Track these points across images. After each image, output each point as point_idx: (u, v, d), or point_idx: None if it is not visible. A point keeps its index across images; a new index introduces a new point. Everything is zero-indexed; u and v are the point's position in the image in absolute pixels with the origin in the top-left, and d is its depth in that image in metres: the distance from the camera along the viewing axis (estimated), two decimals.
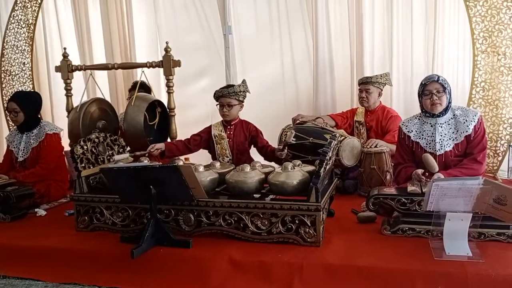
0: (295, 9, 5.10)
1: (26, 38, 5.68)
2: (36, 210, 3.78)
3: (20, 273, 2.90)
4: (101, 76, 5.45)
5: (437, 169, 2.96)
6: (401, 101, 4.75)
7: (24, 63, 5.72)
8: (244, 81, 3.99)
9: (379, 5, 4.72)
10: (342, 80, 4.95)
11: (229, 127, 4.02)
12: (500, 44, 4.21)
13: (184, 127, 4.81)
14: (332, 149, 2.94)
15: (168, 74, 4.31)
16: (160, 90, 5.33)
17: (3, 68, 5.71)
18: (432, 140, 3.17)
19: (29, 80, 5.74)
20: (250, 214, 2.84)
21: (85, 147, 3.35)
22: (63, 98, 4.87)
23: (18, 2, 5.58)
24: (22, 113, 4.04)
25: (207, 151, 4.18)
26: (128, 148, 3.82)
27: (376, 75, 4.35)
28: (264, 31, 5.22)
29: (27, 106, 4.06)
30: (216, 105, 4.02)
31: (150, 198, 2.80)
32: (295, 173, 2.96)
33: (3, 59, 5.69)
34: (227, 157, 3.96)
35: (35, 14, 5.63)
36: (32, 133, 4.08)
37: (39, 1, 5.58)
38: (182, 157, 4.06)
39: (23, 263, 2.96)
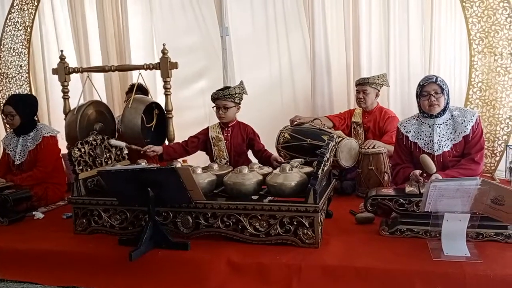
0: (292, 10, 5.10)
1: (22, 41, 5.67)
2: (33, 213, 3.77)
3: (18, 276, 2.89)
4: (97, 79, 5.44)
5: (434, 169, 2.97)
6: (398, 101, 4.76)
7: (21, 65, 5.71)
8: (241, 83, 3.99)
9: (375, 6, 4.73)
10: (339, 81, 4.95)
11: (226, 129, 4.02)
12: (496, 44, 4.22)
13: (182, 128, 4.80)
14: (330, 150, 2.94)
15: (166, 76, 4.31)
16: (156, 92, 5.32)
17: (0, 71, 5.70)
18: (430, 141, 3.18)
19: (26, 83, 5.72)
20: (248, 216, 2.84)
21: (82, 149, 3.34)
22: (59, 100, 4.86)
23: (14, 5, 5.57)
24: (18, 116, 4.03)
25: (204, 153, 4.18)
26: (126, 151, 3.81)
27: (373, 76, 4.35)
28: (261, 32, 5.22)
29: (23, 109, 4.05)
30: (213, 107, 4.02)
31: (148, 201, 2.80)
32: (293, 175, 2.96)
33: (0, 62, 5.67)
34: (224, 159, 3.97)
35: (32, 17, 5.62)
36: (29, 136, 4.07)
37: (36, 3, 5.57)
38: (180, 159, 4.06)
39: (21, 267, 2.95)
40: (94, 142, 3.47)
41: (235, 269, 2.63)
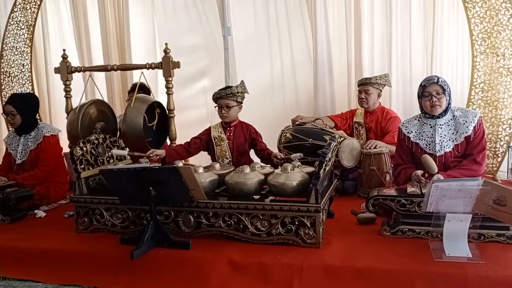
0: (294, 10, 5.10)
1: (25, 40, 5.68)
2: (35, 211, 3.78)
3: (20, 274, 2.89)
4: (99, 78, 5.44)
5: (436, 170, 2.96)
6: (400, 102, 4.75)
7: (23, 64, 5.72)
8: (242, 82, 3.99)
9: (378, 6, 4.72)
10: (341, 81, 4.95)
11: (228, 128, 4.03)
12: (499, 45, 4.21)
13: (183, 128, 4.81)
14: (331, 150, 2.94)
15: (168, 76, 4.30)
16: (157, 91, 5.33)
17: (2, 70, 5.71)
18: (432, 141, 3.18)
19: (28, 82, 5.73)
20: (250, 215, 2.84)
21: (84, 148, 3.35)
22: (61, 99, 4.86)
23: (17, 4, 5.58)
24: (19, 115, 4.03)
25: (206, 152, 4.18)
26: (127, 150, 3.82)
27: (375, 76, 4.35)
28: (263, 32, 5.22)
29: (24, 108, 4.05)
30: (215, 106, 4.03)
31: (150, 200, 2.81)
32: (294, 174, 2.96)
33: (2, 61, 5.69)
34: (226, 158, 3.97)
35: (35, 16, 5.63)
36: (30, 135, 4.08)
37: (39, 2, 5.58)
38: None
39: (23, 265, 2.95)
40: (96, 141, 3.48)
41: (236, 269, 2.63)
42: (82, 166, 3.30)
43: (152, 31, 5.65)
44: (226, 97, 3.90)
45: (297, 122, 4.30)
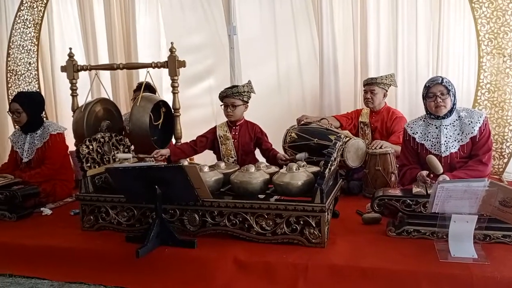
0: (300, 9, 5.09)
1: (32, 38, 5.70)
2: (41, 209, 3.80)
3: (26, 272, 2.91)
4: (104, 76, 5.46)
5: (441, 170, 2.96)
6: (406, 102, 4.74)
7: (29, 62, 5.74)
8: (249, 82, 4.00)
9: (384, 6, 4.71)
10: (347, 81, 4.94)
11: (234, 127, 4.03)
12: (505, 46, 4.19)
13: (189, 127, 4.82)
14: (337, 150, 2.94)
15: (173, 75, 4.31)
16: (162, 90, 5.34)
17: (9, 68, 5.73)
18: (437, 142, 3.17)
19: (35, 80, 5.76)
20: (255, 214, 2.85)
21: (90, 147, 3.36)
22: (66, 97, 4.88)
23: (24, 2, 5.60)
24: (24, 113, 4.04)
25: (212, 151, 4.19)
26: (132, 148, 3.83)
27: (381, 76, 4.34)
28: (269, 31, 5.21)
29: (29, 106, 4.06)
30: (221, 105, 4.03)
31: (155, 198, 2.82)
32: (299, 174, 2.96)
33: (9, 59, 5.71)
34: (232, 157, 3.98)
35: (41, 14, 5.65)
36: (36, 133, 4.09)
37: (45, 1, 5.60)
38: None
39: (29, 262, 2.97)
40: (102, 140, 3.49)
41: (241, 268, 2.64)
42: (88, 164, 3.31)
43: (157, 30, 5.65)
44: (232, 96, 3.91)
45: (302, 122, 4.30)
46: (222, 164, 3.35)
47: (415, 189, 2.93)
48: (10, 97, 5.66)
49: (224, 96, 3.95)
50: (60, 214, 3.77)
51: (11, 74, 5.74)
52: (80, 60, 5.29)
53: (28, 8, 5.63)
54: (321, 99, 4.98)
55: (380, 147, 3.90)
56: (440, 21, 4.58)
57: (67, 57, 4.61)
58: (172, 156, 3.92)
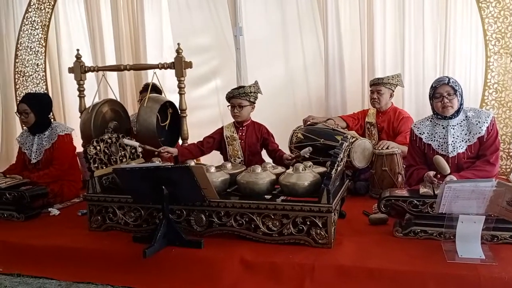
0: (306, 10, 5.09)
1: (39, 40, 5.75)
2: (49, 209, 3.82)
3: (34, 271, 2.93)
4: (111, 78, 5.48)
5: (448, 171, 2.94)
6: (413, 102, 4.72)
7: (37, 64, 5.79)
8: (256, 83, 4.01)
9: (390, 6, 4.70)
10: (353, 81, 4.93)
11: (241, 128, 4.04)
12: None
13: (195, 128, 4.83)
14: (343, 150, 2.93)
15: (180, 76, 4.33)
16: (167, 91, 5.35)
17: (16, 69, 5.78)
18: (444, 142, 3.16)
19: (42, 81, 5.80)
20: (261, 215, 2.85)
21: (98, 147, 3.38)
22: (74, 99, 4.90)
23: (31, 4, 5.65)
24: (32, 114, 4.07)
25: (218, 152, 4.20)
26: (140, 149, 3.84)
27: (388, 76, 4.33)
28: (275, 32, 5.22)
29: (37, 107, 4.09)
30: (228, 106, 4.04)
31: (162, 199, 2.83)
32: (306, 175, 2.96)
33: (17, 60, 5.76)
34: (238, 158, 3.98)
35: (49, 16, 5.70)
36: (44, 134, 4.11)
37: (53, 3, 5.65)
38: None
39: (37, 262, 2.99)
40: (109, 140, 3.51)
41: (248, 268, 2.64)
42: (96, 165, 3.33)
43: (160, 31, 5.68)
44: (239, 97, 3.92)
45: (309, 122, 4.29)
46: (229, 165, 3.36)
47: (422, 190, 2.92)
48: (18, 98, 5.72)
49: (231, 96, 3.96)
50: (67, 214, 3.79)
51: (19, 75, 5.79)
52: (87, 61, 5.32)
53: (35, 10, 5.68)
54: (327, 100, 4.97)
55: (387, 148, 3.89)
56: (447, 20, 4.56)
57: (75, 59, 4.64)
58: (180, 156, 3.93)
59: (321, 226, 2.75)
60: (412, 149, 3.35)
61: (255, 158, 4.03)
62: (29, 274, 2.92)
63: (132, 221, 3.17)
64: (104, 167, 3.40)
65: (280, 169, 3.30)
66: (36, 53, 5.76)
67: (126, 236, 3.07)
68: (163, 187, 2.81)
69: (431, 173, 3.01)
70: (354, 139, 3.86)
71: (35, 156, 4.09)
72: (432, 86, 3.20)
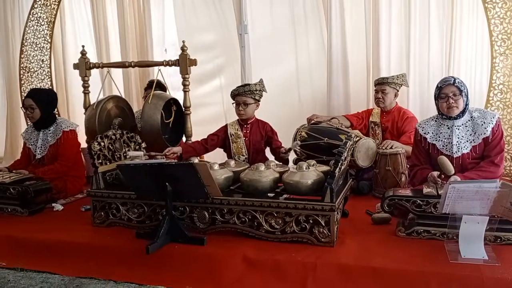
0: (312, 9, 5.09)
1: (45, 36, 5.77)
2: (53, 204, 3.84)
3: (37, 266, 2.95)
4: (116, 74, 5.50)
5: (453, 171, 2.94)
6: (418, 102, 4.70)
7: (42, 60, 5.81)
8: (261, 81, 4.01)
9: (396, 5, 4.68)
10: (358, 80, 4.91)
11: (245, 126, 4.05)
12: None
13: (199, 125, 4.83)
14: (347, 149, 2.93)
15: (185, 73, 4.34)
16: (171, 88, 5.36)
17: (22, 65, 5.80)
18: (449, 142, 3.15)
19: (47, 77, 5.82)
20: (264, 213, 2.85)
21: (102, 143, 3.39)
22: (78, 95, 4.91)
23: (37, 0, 5.66)
24: (38, 109, 4.08)
25: (222, 150, 4.20)
26: (144, 145, 3.85)
27: (393, 76, 4.32)
28: (280, 31, 5.21)
29: (43, 102, 4.10)
30: (232, 103, 4.05)
31: (166, 195, 2.84)
32: (309, 173, 2.96)
33: (22, 56, 5.78)
34: (243, 155, 3.99)
35: (54, 12, 5.72)
36: (49, 130, 4.13)
37: None
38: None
39: (40, 257, 3.01)
40: (113, 137, 3.52)
41: (250, 265, 2.65)
42: (100, 161, 3.34)
43: (162, 28, 5.69)
44: (244, 94, 3.92)
45: (313, 121, 4.29)
46: (232, 162, 3.37)
47: (426, 190, 2.91)
48: (23, 94, 5.74)
49: (236, 94, 3.96)
50: (71, 210, 3.81)
51: (24, 71, 5.81)
52: (92, 57, 5.33)
53: (41, 6, 5.70)
54: (329, 100, 4.96)
55: (391, 147, 3.88)
56: (453, 20, 4.55)
57: (80, 55, 4.64)
58: (184, 154, 3.94)
59: (324, 225, 2.75)
60: (417, 148, 3.34)
61: (259, 156, 4.03)
62: (32, 268, 2.93)
63: (135, 217, 3.17)
64: (108, 163, 3.41)
65: (283, 167, 3.30)
66: (42, 49, 5.78)
67: (129, 232, 3.09)
68: (167, 183, 2.82)
69: (435, 173, 3.00)
70: (358, 138, 3.85)
71: (39, 151, 4.10)
72: (437, 86, 3.19)
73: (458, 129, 3.14)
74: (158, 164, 2.88)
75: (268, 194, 2.99)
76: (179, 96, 4.57)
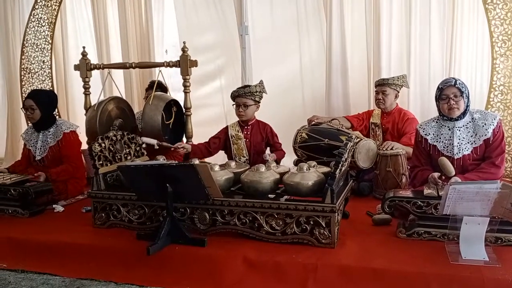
0: (312, 10, 5.08)
1: (46, 37, 5.77)
2: (54, 206, 3.83)
3: (38, 267, 2.94)
4: (117, 75, 5.50)
5: (453, 172, 2.94)
6: (418, 103, 4.70)
7: (43, 61, 5.81)
8: (261, 82, 4.02)
9: (397, 6, 4.68)
10: (359, 81, 4.91)
11: (246, 127, 4.05)
12: None
13: (200, 126, 4.83)
14: (347, 150, 2.93)
15: (185, 74, 4.34)
16: (172, 89, 5.36)
17: (22, 66, 5.80)
18: (449, 144, 3.15)
19: (48, 78, 5.82)
20: (265, 214, 2.85)
21: (103, 144, 3.39)
22: (79, 96, 4.91)
23: (38, 1, 5.67)
24: (38, 110, 4.07)
25: (223, 151, 4.21)
26: (144, 145, 3.85)
27: (393, 77, 4.32)
28: (281, 32, 5.21)
29: (43, 103, 4.10)
30: (233, 105, 4.05)
31: (166, 196, 2.84)
32: (310, 174, 2.96)
33: (23, 57, 5.78)
34: (243, 157, 4.00)
35: (55, 13, 5.72)
36: (49, 131, 4.12)
37: (59, 0, 5.68)
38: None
39: (41, 258, 3.01)
40: (114, 138, 3.51)
41: (251, 267, 2.65)
42: (100, 162, 3.34)
43: (161, 29, 5.70)
44: (244, 96, 3.93)
45: (313, 122, 4.29)
46: (233, 163, 3.37)
47: (427, 191, 2.91)
48: (23, 95, 5.73)
49: (236, 95, 3.97)
50: (72, 211, 3.80)
51: (25, 72, 5.81)
52: (93, 59, 5.34)
53: (42, 6, 5.70)
54: (328, 101, 4.95)
55: (391, 148, 3.89)
56: (454, 21, 4.54)
57: (81, 56, 4.65)
58: (191, 154, 3.98)
59: (324, 226, 2.75)
60: (417, 150, 3.34)
61: (260, 157, 4.03)
62: (33, 270, 2.93)
63: (136, 219, 3.17)
64: (109, 165, 3.41)
65: (284, 168, 3.30)
66: (42, 50, 5.78)
67: (130, 233, 3.09)
68: (167, 184, 2.82)
69: (436, 174, 3.00)
70: (358, 139, 3.85)
71: (39, 152, 4.10)
72: (438, 87, 3.19)
73: (459, 131, 3.14)
74: (159, 165, 2.88)
75: (269, 195, 3.00)
76: (179, 97, 4.57)
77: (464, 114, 3.14)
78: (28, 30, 5.73)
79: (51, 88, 5.75)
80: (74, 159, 4.11)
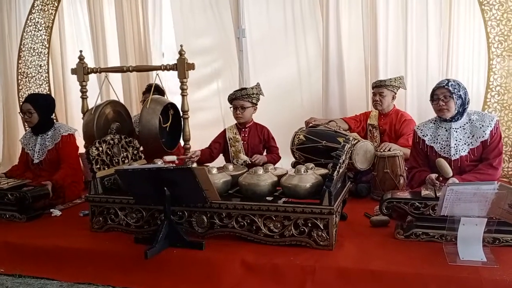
0: (309, 12, 5.09)
1: (42, 41, 5.76)
2: (51, 210, 3.83)
3: (35, 272, 2.93)
4: (115, 79, 5.50)
5: (451, 173, 2.94)
6: (415, 104, 4.71)
7: (40, 65, 5.80)
8: (258, 84, 4.02)
9: (393, 8, 4.69)
10: (356, 83, 4.92)
11: (243, 129, 4.06)
12: None
13: (197, 129, 4.83)
14: (345, 152, 2.93)
15: (182, 77, 4.33)
16: (169, 93, 5.36)
17: (19, 70, 5.80)
18: (447, 145, 3.15)
19: (45, 82, 5.82)
20: (263, 216, 2.85)
21: (100, 148, 3.38)
22: (76, 100, 4.90)
23: (35, 5, 5.67)
24: (36, 114, 4.08)
25: (221, 154, 4.22)
26: (141, 148, 3.85)
27: (390, 79, 4.33)
28: (278, 34, 5.23)
29: (41, 107, 4.10)
30: (230, 107, 4.05)
31: (164, 200, 2.83)
32: (308, 176, 2.96)
33: (20, 61, 5.78)
34: (241, 159, 3.99)
35: (52, 17, 5.72)
36: (47, 135, 4.13)
37: (56, 4, 5.68)
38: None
39: (38, 263, 3.00)
40: (111, 141, 3.51)
41: (249, 270, 2.64)
42: (98, 166, 3.33)
43: (159, 32, 5.70)
44: (241, 98, 3.93)
45: (311, 124, 4.29)
46: (230, 166, 3.37)
47: (424, 192, 2.91)
48: (21, 99, 5.74)
49: (234, 98, 3.98)
50: (69, 215, 3.79)
51: (22, 76, 5.81)
52: (90, 62, 5.33)
53: (39, 11, 5.70)
54: (325, 103, 4.96)
55: (389, 150, 3.89)
56: (450, 23, 4.56)
57: (78, 60, 4.64)
58: (201, 158, 4.02)
59: (322, 228, 2.74)
60: (415, 151, 3.34)
61: None
62: (31, 274, 2.92)
63: (134, 222, 3.17)
64: (106, 168, 3.40)
65: (282, 170, 3.30)
66: (39, 54, 5.78)
67: (128, 237, 3.08)
68: (165, 188, 2.81)
69: (433, 175, 3.00)
70: (356, 141, 3.85)
71: (37, 156, 4.10)
72: (433, 88, 3.21)
73: (456, 132, 3.15)
74: (156, 169, 2.88)
75: (267, 198, 2.98)
76: (177, 100, 4.57)
77: (461, 115, 3.14)
78: (25, 34, 5.74)
79: (48, 92, 5.74)
80: (73, 162, 4.11)
